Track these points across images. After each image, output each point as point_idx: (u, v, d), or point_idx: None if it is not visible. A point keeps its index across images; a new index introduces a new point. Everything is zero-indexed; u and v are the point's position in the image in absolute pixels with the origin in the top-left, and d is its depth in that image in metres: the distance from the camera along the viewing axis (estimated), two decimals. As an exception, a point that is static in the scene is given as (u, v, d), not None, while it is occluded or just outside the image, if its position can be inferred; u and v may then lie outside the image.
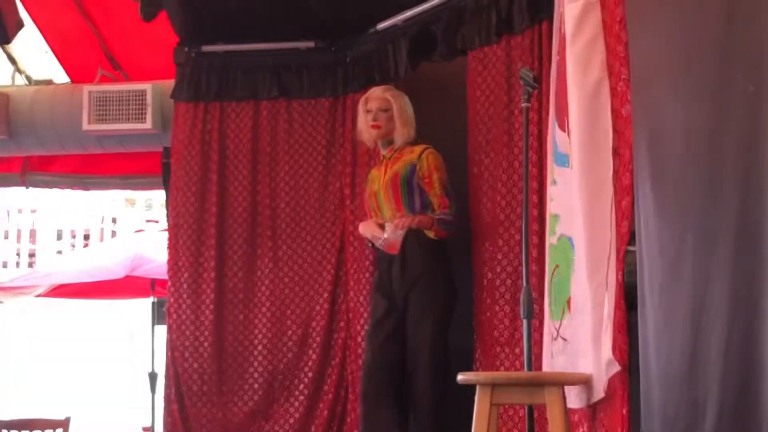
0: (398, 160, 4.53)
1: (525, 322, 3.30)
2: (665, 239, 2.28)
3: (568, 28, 3.23)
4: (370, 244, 4.64)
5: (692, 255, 2.08)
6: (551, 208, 3.52)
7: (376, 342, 4.45)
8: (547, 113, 3.94)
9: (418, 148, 4.52)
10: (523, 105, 3.50)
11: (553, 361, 3.35)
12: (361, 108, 4.64)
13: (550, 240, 3.51)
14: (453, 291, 4.43)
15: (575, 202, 3.14)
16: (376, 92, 4.64)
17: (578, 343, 3.10)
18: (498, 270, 4.28)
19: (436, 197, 4.43)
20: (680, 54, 2.24)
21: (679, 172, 2.22)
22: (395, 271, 4.41)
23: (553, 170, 3.53)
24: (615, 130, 3.00)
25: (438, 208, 4.41)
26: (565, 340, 3.30)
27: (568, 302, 3.25)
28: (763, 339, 1.70)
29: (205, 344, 5.35)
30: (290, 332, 5.29)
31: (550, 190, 3.54)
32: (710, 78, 2.02)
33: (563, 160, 3.36)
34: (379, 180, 4.57)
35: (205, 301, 5.36)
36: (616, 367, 2.70)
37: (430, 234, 4.37)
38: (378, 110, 4.56)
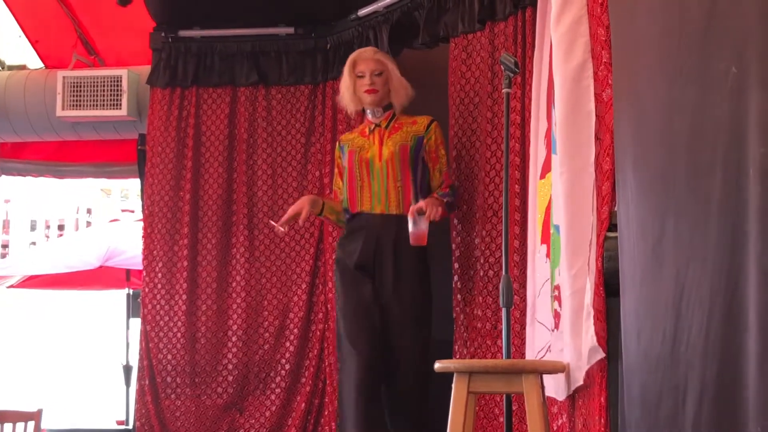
0: (398, 130, 4.30)
1: (504, 310, 3.24)
2: (647, 223, 2.23)
3: (554, 10, 3.17)
4: (280, 228, 4.35)
5: (673, 239, 2.03)
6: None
7: (371, 333, 4.16)
8: (530, 100, 3.88)
9: (421, 119, 4.32)
10: (504, 91, 3.42)
11: (551, 354, 3.28)
12: (348, 72, 4.34)
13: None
14: (430, 287, 4.31)
15: (558, 187, 3.08)
16: (365, 54, 4.36)
17: (563, 332, 3.04)
18: (481, 260, 4.22)
19: (440, 173, 4.25)
20: (662, 34, 2.19)
21: (660, 154, 2.17)
22: (383, 259, 4.22)
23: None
24: (596, 115, 2.94)
25: (440, 186, 4.25)
26: (554, 329, 3.24)
27: (556, 291, 3.19)
28: (743, 323, 1.66)
29: (179, 335, 5.27)
30: (266, 323, 5.21)
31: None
32: (693, 59, 1.97)
33: (554, 147, 3.31)
34: (373, 149, 4.29)
35: (179, 291, 5.28)
36: (600, 354, 2.64)
37: (435, 217, 4.10)
38: (372, 74, 4.29)
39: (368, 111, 4.35)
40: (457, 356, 4.29)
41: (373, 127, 4.33)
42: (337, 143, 4.52)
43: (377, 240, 4.23)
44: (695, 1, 1.98)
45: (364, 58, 4.31)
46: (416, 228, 3.98)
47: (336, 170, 4.50)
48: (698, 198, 1.90)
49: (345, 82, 4.34)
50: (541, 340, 3.43)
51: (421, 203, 4.04)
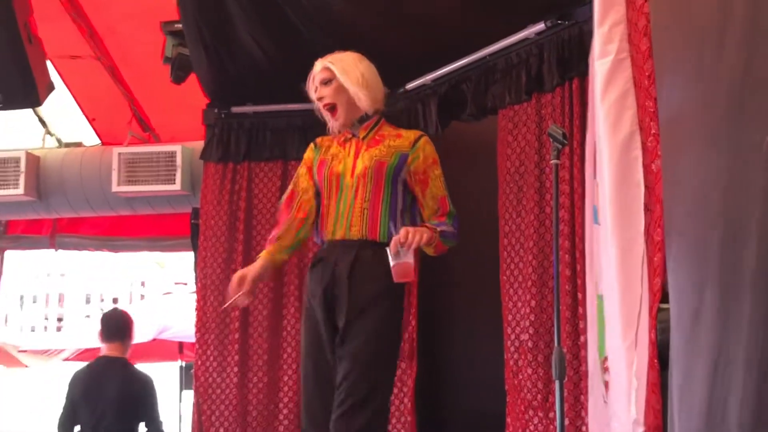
0: (379, 143, 3.45)
1: (557, 383, 3.21)
2: (688, 294, 2.22)
3: (598, 85, 3.20)
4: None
5: (711, 310, 2.02)
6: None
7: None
8: (579, 171, 3.89)
9: (408, 133, 3.51)
10: (553, 162, 3.44)
11: (601, 425, 3.25)
12: (311, 90, 3.52)
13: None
14: (400, 330, 3.47)
15: (607, 258, 3.07)
16: (317, 64, 3.51)
17: (614, 404, 3.01)
18: (531, 330, 4.19)
19: (433, 200, 3.42)
20: (697, 103, 2.20)
21: (696, 224, 2.17)
22: (339, 294, 3.32)
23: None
24: (646, 186, 2.95)
25: (434, 214, 3.42)
26: (605, 402, 3.21)
27: (604, 363, 3.17)
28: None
29: (230, 408, 5.28)
30: (317, 396, 5.19)
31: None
32: (724, 128, 1.98)
33: (595, 217, 3.31)
34: (346, 161, 3.44)
35: (230, 364, 5.31)
36: (641, 428, 2.61)
37: (429, 250, 3.38)
38: (320, 84, 3.45)
39: (349, 128, 3.51)
40: (510, 430, 4.25)
41: (350, 136, 3.50)
42: (312, 143, 3.66)
43: (332, 273, 3.35)
44: (728, 67, 1.99)
45: (316, 71, 3.49)
46: (397, 261, 3.20)
47: (303, 169, 3.62)
48: (734, 269, 1.89)
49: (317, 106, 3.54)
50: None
51: (402, 232, 3.22)
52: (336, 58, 3.47)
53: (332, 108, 3.45)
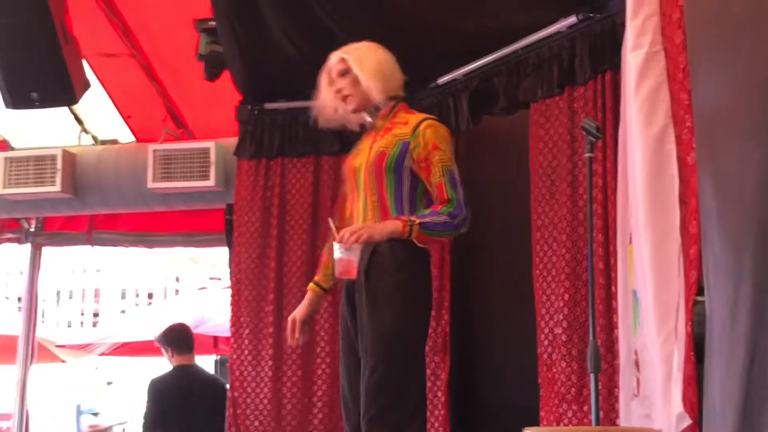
0: (387, 133, 3.36)
1: (592, 376, 3.22)
2: (725, 289, 2.22)
3: (631, 78, 3.20)
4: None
5: (748, 305, 2.02)
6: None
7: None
8: (612, 164, 3.89)
9: (414, 119, 3.37)
10: (586, 155, 3.44)
11: (632, 418, 3.25)
12: (324, 81, 3.47)
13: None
14: (422, 322, 3.28)
15: (641, 252, 3.07)
16: (333, 55, 3.47)
17: (648, 397, 3.01)
18: (564, 324, 4.19)
19: (432, 187, 3.28)
20: (733, 97, 2.19)
21: (732, 217, 2.16)
22: (358, 293, 3.24)
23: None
24: (681, 179, 2.94)
25: (435, 200, 3.28)
26: (636, 395, 3.21)
27: (635, 356, 3.17)
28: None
29: (265, 401, 5.32)
30: (351, 389, 5.22)
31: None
32: (760, 122, 1.97)
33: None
34: (362, 156, 3.40)
35: (265, 357, 5.35)
36: (687, 421, 2.61)
37: (414, 234, 3.19)
38: (337, 76, 3.42)
39: (366, 117, 3.45)
40: (544, 423, 4.25)
41: (371, 129, 3.45)
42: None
43: (349, 292, 3.31)
44: (766, 65, 1.98)
45: (333, 62, 3.45)
46: (339, 256, 3.18)
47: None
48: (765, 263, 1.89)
49: (322, 96, 3.48)
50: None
51: (347, 231, 3.19)
52: (351, 49, 3.44)
53: (347, 97, 3.40)
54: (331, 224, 3.33)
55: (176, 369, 5.87)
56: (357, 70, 3.36)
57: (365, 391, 3.12)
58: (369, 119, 3.43)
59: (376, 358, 3.11)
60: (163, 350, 5.97)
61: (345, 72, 3.39)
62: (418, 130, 3.29)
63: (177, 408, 5.69)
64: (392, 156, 3.28)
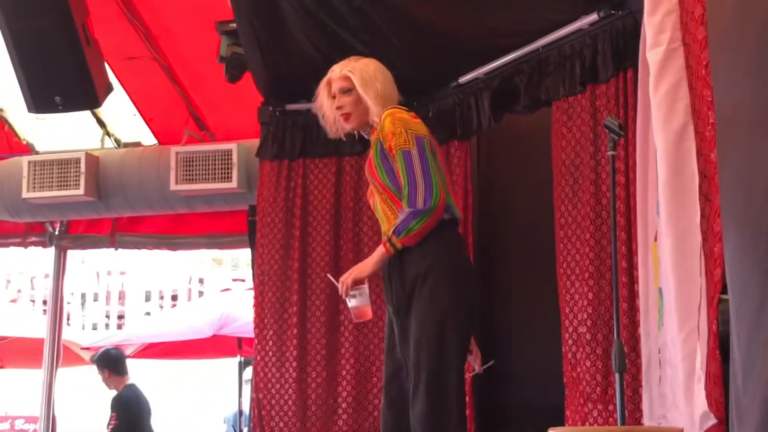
0: (372, 136, 3.44)
1: (617, 375, 3.20)
2: (750, 286, 2.19)
3: (651, 74, 3.17)
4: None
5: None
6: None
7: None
8: (634, 162, 3.86)
9: (384, 116, 3.36)
10: (609, 153, 3.42)
11: (653, 415, 3.23)
12: (324, 92, 3.53)
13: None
14: (450, 309, 3.25)
15: (663, 249, 3.05)
16: (336, 69, 3.51)
17: (665, 396, 2.99)
18: (588, 323, 4.17)
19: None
20: (756, 97, 2.17)
21: (757, 214, 2.13)
22: (388, 292, 3.37)
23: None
24: (704, 176, 2.91)
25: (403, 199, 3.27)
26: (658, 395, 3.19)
27: (659, 356, 3.15)
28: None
29: (290, 402, 5.32)
30: (376, 390, 5.22)
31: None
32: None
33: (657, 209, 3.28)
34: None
35: (289, 359, 5.35)
36: (712, 420, 2.58)
37: (397, 244, 3.24)
38: (339, 93, 3.46)
39: (362, 132, 3.54)
40: (569, 422, 4.23)
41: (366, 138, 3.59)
42: None
43: (387, 267, 3.37)
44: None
45: (336, 77, 3.49)
46: (351, 305, 3.35)
47: None
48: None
49: (322, 104, 3.55)
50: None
51: (343, 282, 3.33)
52: (355, 67, 3.47)
53: (347, 116, 3.46)
54: (331, 279, 3.49)
55: (128, 387, 6.80)
56: (361, 92, 3.40)
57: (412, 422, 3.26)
58: (364, 135, 3.52)
59: (416, 379, 3.24)
60: (99, 372, 6.82)
61: (348, 90, 3.43)
62: (382, 125, 3.32)
63: (141, 421, 6.78)
64: (376, 158, 3.34)
